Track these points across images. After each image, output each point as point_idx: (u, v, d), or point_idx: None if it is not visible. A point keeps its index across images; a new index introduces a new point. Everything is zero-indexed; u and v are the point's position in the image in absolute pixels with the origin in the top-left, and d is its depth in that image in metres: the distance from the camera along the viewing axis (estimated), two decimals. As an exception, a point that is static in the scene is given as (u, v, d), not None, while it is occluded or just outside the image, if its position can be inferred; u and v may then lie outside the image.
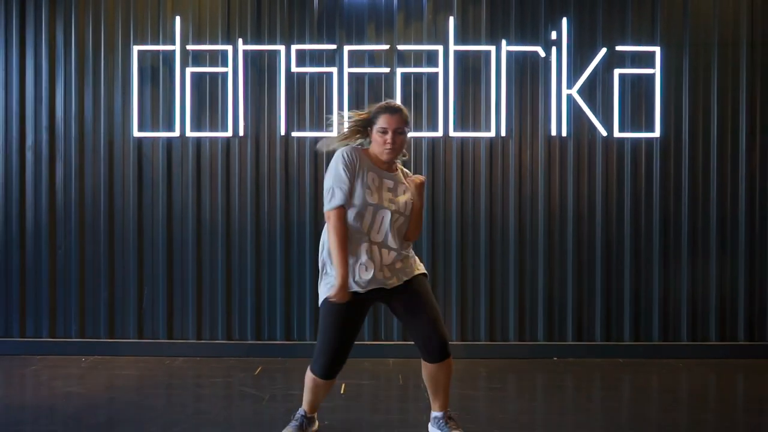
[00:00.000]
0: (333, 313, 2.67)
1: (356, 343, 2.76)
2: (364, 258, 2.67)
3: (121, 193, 4.39)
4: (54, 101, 4.39)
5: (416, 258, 2.87)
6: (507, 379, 3.94)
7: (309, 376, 2.79)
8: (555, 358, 4.33)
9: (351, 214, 2.67)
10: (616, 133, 4.35)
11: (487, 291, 4.36)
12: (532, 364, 4.21)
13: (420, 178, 2.83)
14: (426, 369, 2.78)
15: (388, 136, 2.65)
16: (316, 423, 2.99)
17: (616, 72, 4.34)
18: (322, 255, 2.76)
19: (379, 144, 2.69)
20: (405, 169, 2.88)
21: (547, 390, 3.76)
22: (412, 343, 2.84)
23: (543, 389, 3.78)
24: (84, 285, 4.40)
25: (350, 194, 2.66)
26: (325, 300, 2.70)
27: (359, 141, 2.80)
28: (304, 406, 2.88)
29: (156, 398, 3.54)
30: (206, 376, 3.93)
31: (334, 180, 2.67)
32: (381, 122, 2.67)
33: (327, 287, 2.70)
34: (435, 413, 2.89)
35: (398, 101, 4.30)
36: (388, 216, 2.68)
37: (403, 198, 2.73)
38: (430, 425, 2.93)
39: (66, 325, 4.40)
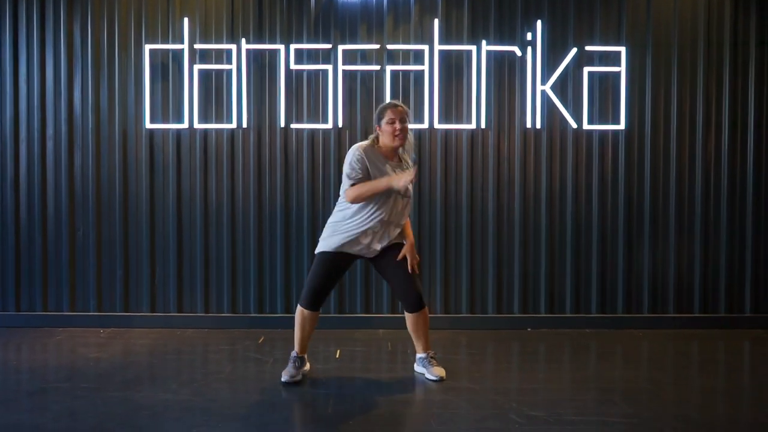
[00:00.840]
0: (323, 263, 3.47)
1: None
2: (375, 228, 3.40)
3: (135, 180, 4.80)
4: (72, 95, 4.79)
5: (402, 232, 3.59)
6: (486, 346, 4.40)
7: (297, 311, 3.53)
8: (529, 329, 4.80)
9: (374, 198, 3.36)
10: (585, 125, 4.80)
11: (468, 268, 4.82)
12: (508, 335, 4.67)
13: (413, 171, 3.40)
14: (408, 319, 3.55)
15: (397, 125, 3.35)
16: (307, 364, 3.63)
17: (586, 70, 4.78)
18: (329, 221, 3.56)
19: (389, 133, 3.37)
20: (406, 158, 3.56)
21: (520, 355, 4.23)
22: (401, 315, 3.54)
23: (517, 355, 4.25)
24: (101, 263, 4.82)
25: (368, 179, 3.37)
26: (319, 253, 3.51)
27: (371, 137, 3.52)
28: (296, 347, 3.56)
29: (171, 362, 3.99)
30: (214, 344, 4.38)
31: (347, 170, 3.40)
32: (388, 115, 3.37)
33: (322, 242, 3.50)
34: (419, 354, 3.62)
35: (387, 97, 4.74)
36: (400, 200, 3.42)
37: (407, 184, 3.36)
38: (415, 365, 3.67)
39: (85, 300, 4.83)
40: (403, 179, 3.27)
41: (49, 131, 4.80)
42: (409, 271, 3.48)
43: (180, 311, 4.83)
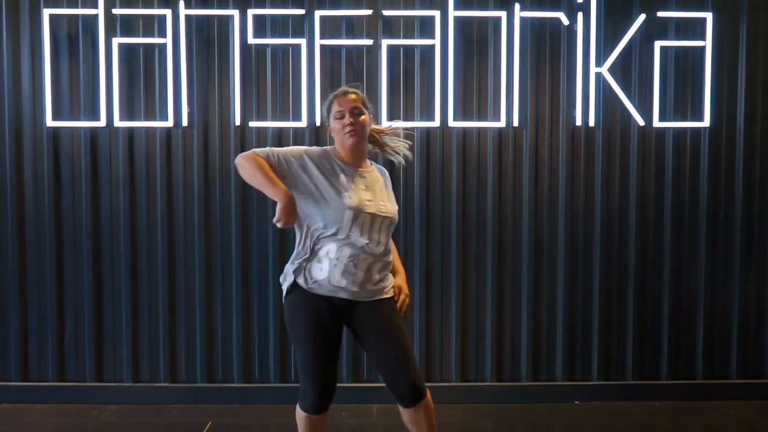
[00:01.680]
0: (301, 321, 2.32)
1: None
2: (338, 258, 2.31)
3: (33, 198, 3.46)
4: (-57, 81, 3.44)
5: (391, 275, 2.46)
6: (516, 428, 3.12)
7: (300, 416, 2.40)
8: (576, 402, 3.52)
9: (328, 218, 2.31)
10: (656, 122, 3.49)
11: (493, 318, 3.52)
12: (549, 410, 3.40)
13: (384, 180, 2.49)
14: (403, 414, 2.39)
15: (346, 120, 2.36)
16: None
17: (657, 44, 3.46)
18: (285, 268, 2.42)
19: (339, 131, 2.39)
20: (382, 169, 2.54)
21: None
22: None
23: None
24: (-11, 314, 3.50)
25: (317, 193, 2.32)
26: (288, 309, 2.37)
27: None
28: None
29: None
30: (144, 429, 3.08)
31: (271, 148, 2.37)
32: (335, 107, 2.41)
33: (287, 298, 2.38)
34: None
35: (383, 83, 3.41)
36: (368, 219, 2.34)
37: (382, 196, 2.41)
38: None
39: (-32, 364, 3.51)
40: (280, 208, 2.19)
41: None
42: (398, 309, 2.43)
43: (99, 380, 3.51)
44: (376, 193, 2.39)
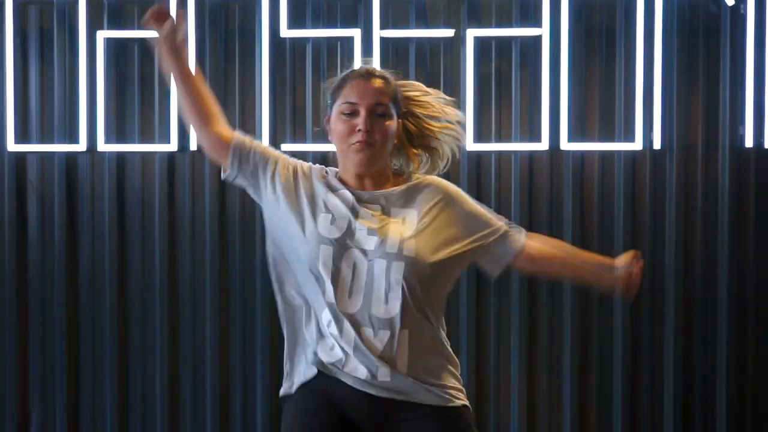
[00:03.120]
0: (290, 418, 1.52)
1: None
2: (316, 336, 1.51)
3: (-9, 247, 2.58)
4: None
5: (447, 365, 1.53)
6: None
7: None
8: None
9: (300, 266, 1.50)
10: None
11: (624, 388, 2.49)
12: None
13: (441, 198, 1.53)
14: None
15: (361, 119, 1.46)
16: None
17: None
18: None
19: (342, 136, 1.49)
20: (445, 185, 1.55)
21: None
22: None
23: None
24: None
25: (296, 222, 1.51)
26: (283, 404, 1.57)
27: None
28: None
29: None
30: None
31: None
32: (345, 95, 1.49)
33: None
34: None
35: (469, 88, 2.48)
36: (359, 260, 1.48)
37: (399, 228, 1.48)
38: None
39: None
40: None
41: None
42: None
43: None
44: (389, 226, 1.50)
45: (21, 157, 2.59)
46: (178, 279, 2.58)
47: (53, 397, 2.59)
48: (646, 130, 2.49)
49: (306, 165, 1.57)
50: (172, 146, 2.54)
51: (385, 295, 1.48)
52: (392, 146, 1.54)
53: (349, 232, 1.49)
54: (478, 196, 2.44)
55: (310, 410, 1.51)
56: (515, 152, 2.51)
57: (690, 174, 2.53)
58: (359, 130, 1.48)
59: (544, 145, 2.49)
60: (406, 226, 1.50)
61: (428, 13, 2.54)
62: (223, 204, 2.57)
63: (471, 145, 2.49)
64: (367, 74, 1.53)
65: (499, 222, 1.54)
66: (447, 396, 1.49)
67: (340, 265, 1.48)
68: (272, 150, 1.55)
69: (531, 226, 2.47)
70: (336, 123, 1.52)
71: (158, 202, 2.57)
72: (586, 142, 2.51)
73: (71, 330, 2.58)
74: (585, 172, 2.53)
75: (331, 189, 1.53)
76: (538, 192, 2.53)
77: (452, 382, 1.52)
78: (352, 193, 1.51)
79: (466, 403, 1.52)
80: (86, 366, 2.58)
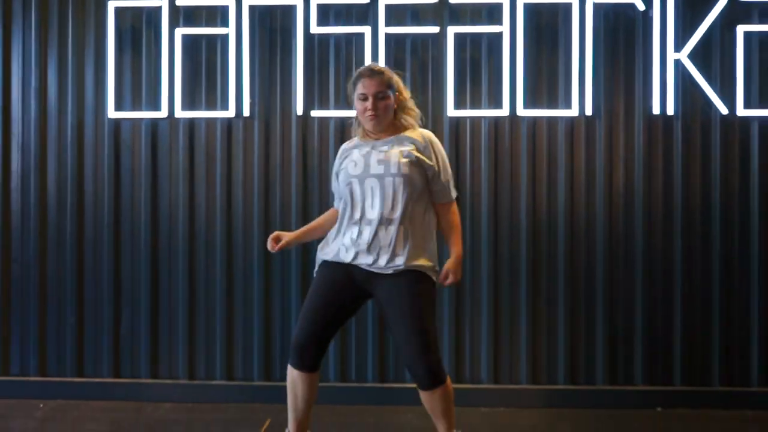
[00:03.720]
0: (313, 287, 2.50)
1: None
2: (350, 236, 2.43)
3: (93, 191, 3.42)
4: (9, 72, 3.45)
5: (430, 248, 2.46)
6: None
7: (288, 372, 2.50)
8: (659, 409, 3.27)
9: (342, 191, 2.49)
10: (740, 110, 3.28)
11: (566, 318, 3.32)
12: (628, 416, 3.17)
13: (423, 144, 2.47)
14: (421, 396, 2.43)
15: (369, 102, 2.42)
16: None
17: (740, 29, 3.28)
18: None
19: (361, 112, 2.48)
20: (426, 134, 2.51)
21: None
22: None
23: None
24: (46, 308, 3.44)
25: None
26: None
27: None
28: (289, 423, 2.53)
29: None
30: (200, 424, 2.95)
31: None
32: (359, 88, 2.45)
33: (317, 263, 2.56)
34: None
35: (450, 71, 3.31)
36: (370, 183, 2.40)
37: (395, 156, 2.40)
38: None
39: (23, 359, 3.44)
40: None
41: (-23, 123, 3.46)
42: (446, 280, 2.46)
43: (154, 376, 3.41)
44: (391, 156, 2.40)
45: (117, 122, 3.42)
46: (232, 214, 3.42)
47: (139, 302, 3.44)
48: (581, 100, 3.33)
49: (340, 150, 2.57)
50: (230, 113, 3.39)
51: (393, 199, 2.38)
52: (392, 112, 2.47)
53: (366, 168, 2.42)
54: (457, 150, 3.33)
55: (330, 274, 2.47)
56: (483, 117, 3.33)
57: (615, 136, 3.35)
58: (368, 108, 2.41)
59: (505, 111, 3.32)
60: (399, 155, 2.40)
61: (420, 14, 3.39)
62: (266, 158, 3.41)
63: (451, 112, 3.33)
64: (371, 72, 2.45)
65: (447, 178, 2.49)
66: (420, 269, 2.39)
67: (363, 186, 2.41)
68: (335, 165, 2.56)
69: (497, 178, 3.35)
70: (356, 104, 2.48)
71: (219, 156, 3.41)
72: (536, 109, 3.34)
73: (153, 250, 3.42)
74: (536, 131, 3.37)
75: (356, 147, 2.50)
76: (501, 146, 3.35)
77: (427, 263, 2.42)
78: (372, 142, 2.47)
79: (433, 279, 2.43)
80: (164, 277, 3.42)
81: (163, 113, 3.39)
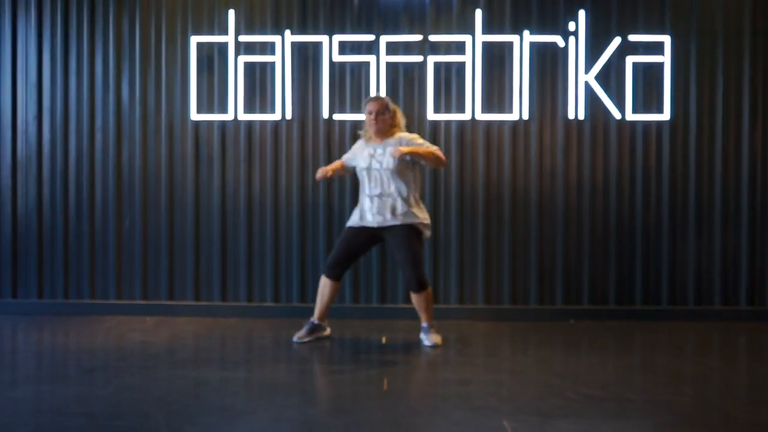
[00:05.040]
0: (345, 232, 4.09)
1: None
2: (366, 205, 3.98)
3: (180, 170, 4.88)
4: (120, 88, 4.89)
5: (418, 211, 3.98)
6: (528, 338, 4.37)
7: (321, 279, 4.11)
8: (572, 321, 4.77)
9: (359, 174, 4.10)
10: (629, 116, 4.76)
11: (510, 259, 4.81)
12: (552, 326, 4.65)
13: (397, 141, 3.98)
14: (412, 296, 4.03)
15: (372, 116, 3.97)
16: (327, 329, 4.22)
17: (629, 59, 4.75)
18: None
19: (369, 123, 4.00)
20: (407, 135, 4.03)
21: (563, 345, 4.19)
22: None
23: (560, 344, 4.21)
24: (147, 253, 4.90)
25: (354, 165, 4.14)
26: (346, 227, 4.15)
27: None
28: (315, 314, 4.13)
29: (221, 347, 4.04)
30: (258, 331, 4.43)
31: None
32: (368, 108, 4.00)
33: (350, 218, 4.13)
34: (422, 324, 4.04)
35: (430, 87, 4.76)
36: (374, 173, 3.94)
37: (385, 156, 3.92)
38: (420, 333, 4.07)
39: (131, 288, 4.91)
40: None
41: (98, 123, 4.90)
42: (394, 153, 3.85)
43: (224, 300, 4.89)
44: (384, 155, 3.92)
45: (197, 122, 4.87)
46: (278, 187, 4.88)
47: (211, 249, 4.90)
48: (521, 108, 4.80)
49: (357, 143, 4.16)
50: (277, 116, 4.84)
51: (388, 183, 3.89)
52: (388, 124, 3.97)
53: (371, 162, 3.96)
54: (435, 143, 4.78)
55: (353, 231, 4.04)
56: (453, 120, 4.78)
57: (544, 134, 4.82)
58: (373, 120, 3.97)
59: (468, 116, 4.79)
60: (385, 155, 3.90)
61: (410, 48, 4.85)
62: (302, 148, 4.86)
63: (431, 116, 4.78)
64: (375, 98, 4.03)
65: (427, 144, 4.02)
66: (412, 221, 3.90)
67: (370, 175, 3.96)
68: (350, 152, 4.19)
69: (462, 161, 4.83)
70: (366, 117, 4.02)
71: (269, 147, 4.87)
72: (490, 113, 4.79)
73: (222, 213, 4.87)
74: (490, 130, 4.85)
75: (365, 147, 4.03)
76: (465, 141, 4.82)
77: (419, 218, 3.93)
78: (374, 146, 3.99)
79: (420, 227, 3.99)
80: (231, 231, 4.88)
81: (229, 116, 4.84)
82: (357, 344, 4.08)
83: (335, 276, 4.05)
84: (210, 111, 4.86)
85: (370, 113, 3.98)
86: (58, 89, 4.89)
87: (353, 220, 4.06)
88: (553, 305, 4.83)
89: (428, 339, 4.00)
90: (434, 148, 3.98)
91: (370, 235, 4.01)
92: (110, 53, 4.88)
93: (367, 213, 3.98)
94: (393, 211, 3.92)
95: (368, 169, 3.98)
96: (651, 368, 3.64)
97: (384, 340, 4.17)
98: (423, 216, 4.00)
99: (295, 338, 4.09)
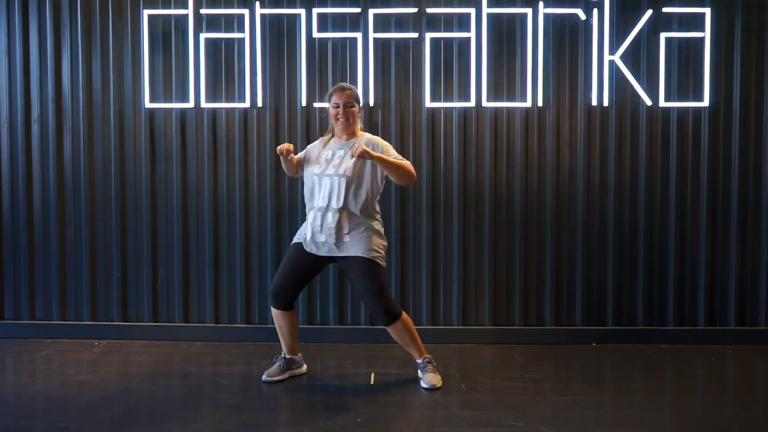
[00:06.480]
0: (291, 249, 3.38)
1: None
2: (310, 220, 3.25)
3: (133, 168, 4.14)
4: (60, 70, 4.13)
5: (369, 237, 3.20)
6: (545, 367, 3.68)
7: (271, 309, 3.40)
8: (594, 344, 4.08)
9: (305, 189, 3.33)
10: (662, 102, 4.04)
11: (521, 272, 4.10)
12: (569, 350, 3.96)
13: (365, 142, 3.23)
14: (388, 331, 3.31)
15: (340, 109, 3.24)
16: (303, 366, 3.53)
17: (662, 36, 4.02)
18: None
19: (333, 117, 3.28)
20: (372, 137, 3.30)
21: (586, 378, 3.50)
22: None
23: (582, 378, 3.52)
24: (95, 264, 4.17)
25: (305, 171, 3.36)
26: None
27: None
28: (283, 348, 3.46)
29: (174, 388, 3.31)
30: (225, 362, 3.71)
31: None
32: (334, 99, 3.27)
33: (298, 231, 3.42)
34: (416, 360, 3.38)
35: (426, 69, 4.01)
36: (327, 181, 3.19)
37: (347, 162, 3.18)
38: (418, 370, 3.40)
39: (77, 307, 4.19)
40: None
41: (34, 113, 4.14)
42: (353, 154, 3.13)
43: (186, 320, 4.17)
44: (343, 161, 3.18)
45: (152, 111, 4.11)
46: (249, 188, 4.13)
47: (172, 260, 4.17)
48: (534, 94, 4.07)
49: (310, 146, 3.38)
50: (246, 104, 4.09)
51: (338, 194, 3.16)
52: (357, 119, 3.29)
53: (325, 168, 3.21)
54: (433, 136, 4.05)
55: (298, 250, 3.30)
56: (455, 108, 4.06)
57: (561, 123, 4.09)
58: (340, 113, 3.22)
59: (472, 103, 4.06)
60: (352, 159, 3.16)
61: (402, 22, 4.09)
62: (276, 141, 4.11)
63: (428, 104, 4.05)
64: (341, 89, 3.26)
65: (394, 154, 3.24)
66: (363, 252, 3.16)
67: (321, 182, 3.20)
68: (303, 153, 3.38)
69: (466, 157, 4.09)
70: (331, 110, 3.28)
71: (237, 140, 4.12)
72: (498, 102, 4.08)
73: (183, 217, 4.14)
74: (498, 119, 4.11)
75: (324, 147, 3.29)
76: (469, 132, 4.09)
77: (370, 245, 3.18)
78: (335, 148, 3.25)
79: (378, 259, 3.20)
80: (193, 238, 4.15)
81: (190, 104, 4.09)
82: (339, 388, 3.35)
83: (282, 305, 3.32)
84: (167, 98, 4.12)
85: (336, 105, 3.26)
86: (-14, 72, 4.13)
87: (300, 235, 3.35)
88: (572, 326, 4.12)
89: (424, 380, 3.30)
90: (405, 161, 3.21)
91: (320, 257, 3.28)
92: (47, 28, 4.10)
93: (315, 233, 3.22)
94: (338, 232, 3.18)
95: (320, 175, 3.24)
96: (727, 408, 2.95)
97: (373, 379, 3.45)
98: (376, 243, 3.22)
99: (264, 377, 3.38)
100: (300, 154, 3.40)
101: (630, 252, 4.09)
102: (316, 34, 4.05)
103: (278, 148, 3.24)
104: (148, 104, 4.10)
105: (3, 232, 4.17)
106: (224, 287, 4.15)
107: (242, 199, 4.13)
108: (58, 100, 4.13)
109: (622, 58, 4.03)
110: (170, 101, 4.11)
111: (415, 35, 4.04)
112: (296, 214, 4.10)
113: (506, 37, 4.07)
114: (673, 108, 4.06)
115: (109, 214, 4.15)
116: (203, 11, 4.06)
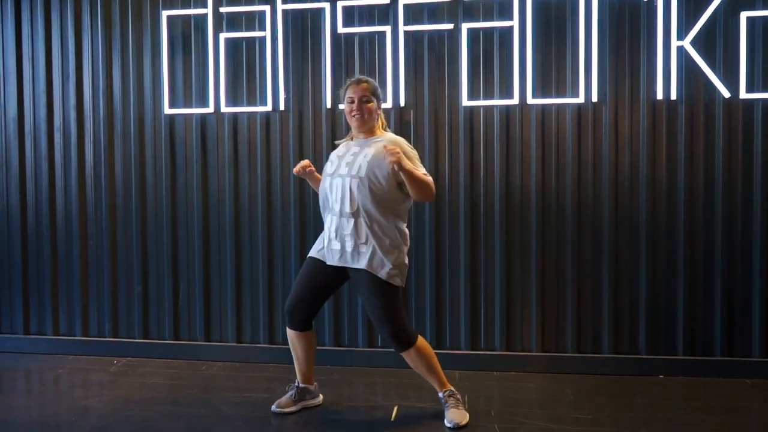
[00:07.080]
0: (306, 264, 3.01)
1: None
2: (326, 225, 2.91)
3: (153, 179, 3.93)
4: (81, 77, 3.98)
5: (388, 253, 2.78)
6: (598, 404, 3.17)
7: (287, 331, 3.05)
8: (662, 376, 3.51)
9: (320, 190, 2.98)
10: (743, 94, 3.43)
11: (574, 291, 3.59)
12: (632, 383, 3.41)
13: (391, 142, 2.82)
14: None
15: (355, 105, 2.86)
16: (319, 396, 3.16)
17: (743, 15, 3.41)
18: None
19: (348, 113, 2.91)
20: (395, 138, 2.90)
21: (650, 419, 2.96)
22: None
23: (645, 419, 2.98)
24: (117, 279, 3.99)
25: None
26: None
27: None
28: (297, 375, 3.11)
29: (182, 418, 3.04)
30: (247, 386, 3.42)
31: None
32: (348, 94, 2.90)
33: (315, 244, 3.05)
34: (438, 394, 2.96)
35: (464, 64, 3.59)
36: (338, 182, 2.82)
37: (361, 160, 2.80)
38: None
39: (99, 323, 4.02)
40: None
41: (57, 122, 4.01)
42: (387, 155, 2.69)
43: (207, 339, 3.92)
44: (357, 159, 2.81)
45: (172, 117, 3.89)
46: (271, 197, 3.84)
47: (194, 276, 3.93)
48: (588, 87, 3.55)
49: (332, 153, 2.97)
50: (268, 108, 3.79)
51: (351, 197, 2.77)
52: (375, 116, 2.90)
53: (338, 166, 2.85)
54: (472, 138, 3.62)
55: (315, 263, 2.96)
56: (496, 106, 3.60)
57: (620, 121, 3.54)
58: (355, 109, 2.85)
59: (515, 100, 3.59)
60: (367, 158, 2.78)
61: (436, 13, 3.67)
62: (300, 146, 3.79)
63: (466, 102, 3.61)
64: (357, 81, 2.89)
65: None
66: (375, 268, 2.76)
67: (332, 183, 2.84)
68: (328, 164, 2.96)
69: (509, 161, 3.62)
70: (345, 106, 2.91)
71: (259, 146, 3.83)
72: (545, 98, 3.59)
73: (204, 230, 3.89)
74: (545, 118, 3.62)
75: (344, 146, 2.92)
76: (512, 134, 3.62)
77: (385, 264, 2.75)
78: (349, 145, 2.89)
79: (393, 279, 2.77)
80: (214, 253, 3.90)
81: (210, 109, 3.84)
82: (354, 424, 2.96)
83: (297, 326, 2.98)
84: (186, 104, 3.88)
85: (350, 100, 2.88)
86: (10, 81, 4.03)
87: (316, 247, 3.00)
88: (635, 354, 3.57)
89: (447, 417, 2.86)
90: (430, 178, 2.80)
91: (337, 269, 2.90)
92: (69, 35, 3.96)
93: (331, 240, 2.86)
94: (354, 240, 2.79)
95: (332, 175, 2.88)
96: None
97: (395, 413, 3.05)
98: (395, 259, 2.79)
99: (274, 407, 3.05)
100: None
101: (704, 269, 3.50)
102: (341, 30, 3.70)
103: (294, 169, 2.97)
104: (167, 110, 3.88)
105: (28, 245, 4.07)
106: (246, 305, 3.87)
107: (264, 210, 3.83)
108: (80, 108, 3.98)
109: (693, 43, 3.45)
110: (190, 106, 3.87)
111: (451, 26, 3.62)
112: (321, 226, 3.76)
113: (555, 24, 3.57)
114: (757, 100, 3.43)
115: (130, 225, 3.96)
116: (223, 9, 3.79)
